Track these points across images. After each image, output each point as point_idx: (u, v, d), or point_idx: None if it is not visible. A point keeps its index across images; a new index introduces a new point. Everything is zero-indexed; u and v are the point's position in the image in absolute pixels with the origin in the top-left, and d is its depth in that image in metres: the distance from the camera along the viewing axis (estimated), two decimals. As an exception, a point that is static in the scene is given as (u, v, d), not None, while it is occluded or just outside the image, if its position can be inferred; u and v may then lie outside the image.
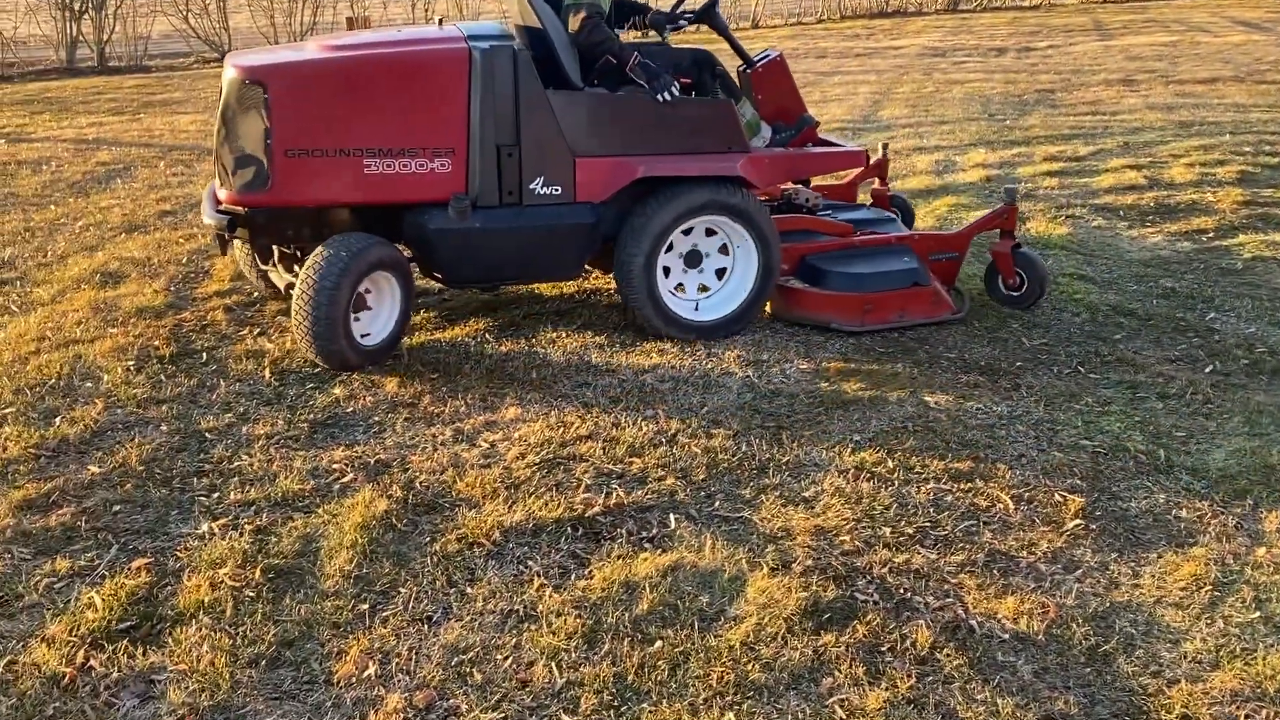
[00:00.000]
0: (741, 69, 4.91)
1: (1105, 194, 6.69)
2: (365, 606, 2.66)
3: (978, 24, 19.47)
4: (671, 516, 3.04)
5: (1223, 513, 3.05)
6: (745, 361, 4.17)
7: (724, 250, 4.41)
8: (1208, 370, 4.05)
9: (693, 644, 2.50)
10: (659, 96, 4.15)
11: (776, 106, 4.82)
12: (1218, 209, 6.25)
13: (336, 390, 3.91)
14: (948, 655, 2.46)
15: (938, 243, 4.77)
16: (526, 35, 4.27)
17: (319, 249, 3.89)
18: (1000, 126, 9.09)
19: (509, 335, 4.45)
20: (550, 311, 4.73)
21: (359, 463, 3.37)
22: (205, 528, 3.02)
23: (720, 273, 4.44)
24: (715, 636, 2.53)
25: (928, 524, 3.01)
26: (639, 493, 3.18)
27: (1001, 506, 3.10)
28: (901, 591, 2.70)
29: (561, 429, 3.59)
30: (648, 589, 2.69)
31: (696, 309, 4.41)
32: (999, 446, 3.46)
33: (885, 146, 5.63)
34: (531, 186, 4.08)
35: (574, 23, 4.22)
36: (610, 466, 3.34)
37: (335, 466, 3.35)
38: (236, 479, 3.29)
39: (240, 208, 3.98)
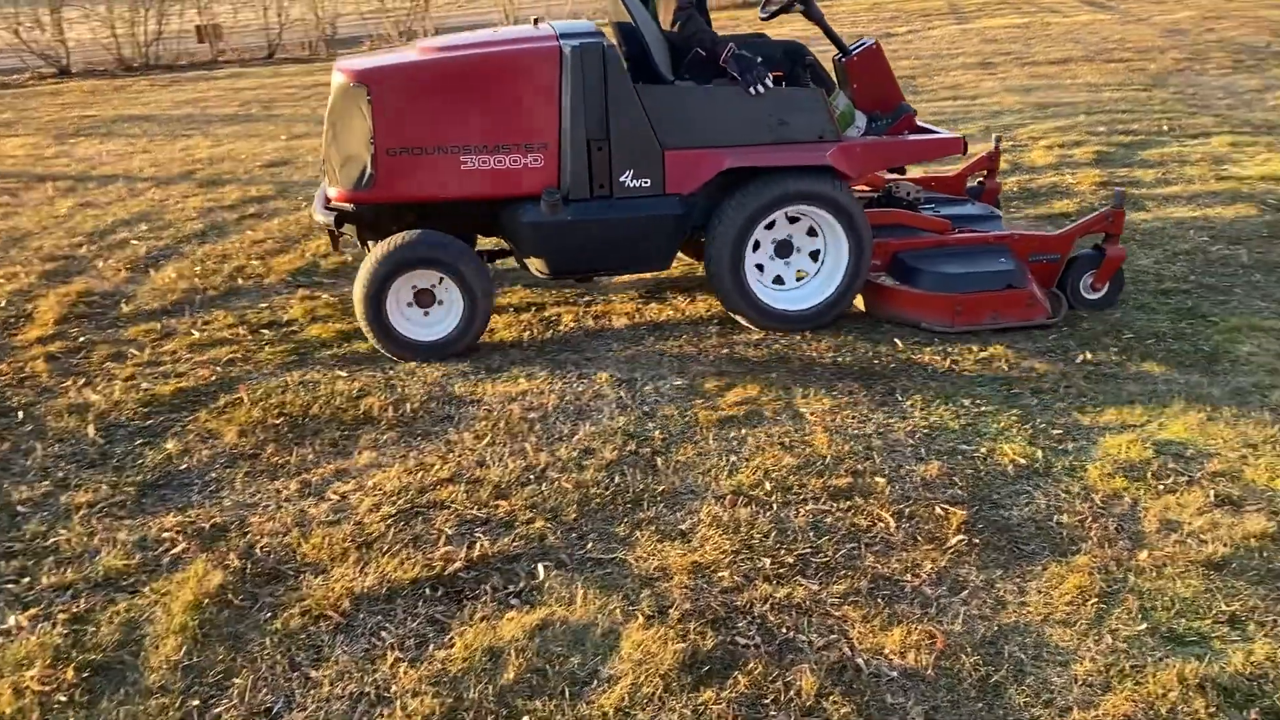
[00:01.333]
0: (837, 58, 4.89)
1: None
2: (195, 703, 2.37)
3: (839, 10, 19.72)
4: (540, 566, 2.83)
5: (1103, 515, 2.99)
6: (617, 382, 3.97)
7: (814, 239, 4.44)
8: (1079, 361, 4.03)
9: (562, 715, 2.29)
10: (751, 89, 4.16)
11: (873, 95, 4.76)
12: (1077, 191, 6.34)
13: (169, 445, 3.57)
14: (834, 703, 2.31)
15: (1039, 244, 4.58)
16: (619, 31, 4.45)
17: (376, 246, 4.14)
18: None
19: (364, 368, 4.16)
20: (409, 338, 4.45)
21: (192, 529, 3.05)
22: (12, 621, 2.67)
23: (813, 261, 4.46)
24: (587, 704, 2.33)
25: (808, 550, 2.87)
26: (505, 540, 2.95)
27: (883, 525, 2.98)
28: (784, 631, 2.55)
29: (421, 473, 3.33)
30: (514, 655, 2.47)
31: (787, 299, 4.43)
32: (877, 458, 3.34)
33: (998, 139, 5.46)
34: (621, 179, 4.17)
35: (665, 15, 4.34)
36: (474, 512, 3.10)
37: (165, 536, 3.02)
38: (51, 559, 2.94)
39: (349, 205, 4.17)
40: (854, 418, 3.63)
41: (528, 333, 4.52)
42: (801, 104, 4.28)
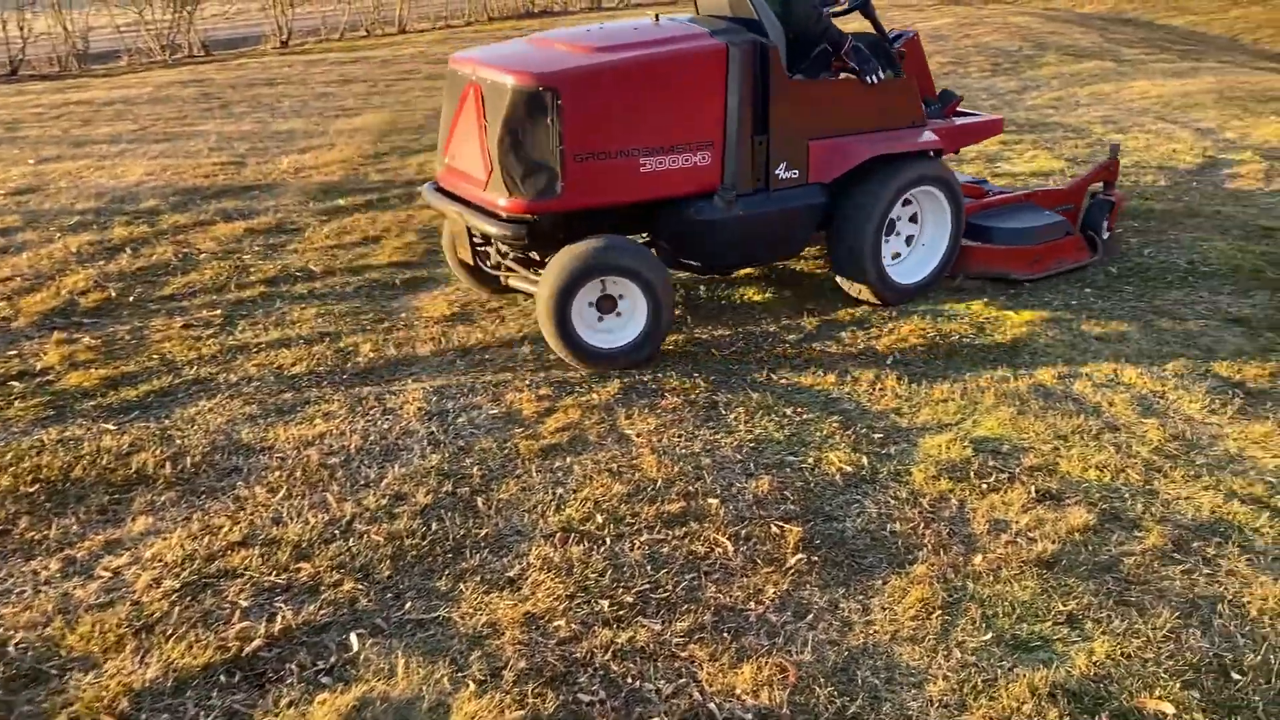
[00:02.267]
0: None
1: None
2: None
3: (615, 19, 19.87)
4: (353, 635, 2.53)
5: (934, 520, 2.98)
6: (427, 414, 3.69)
7: (913, 219, 4.68)
8: (889, 363, 4.06)
9: (392, 810, 2.03)
10: (868, 79, 4.39)
11: (917, 83, 4.88)
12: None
13: (-105, 529, 3.02)
14: (691, 756, 2.15)
15: (1060, 197, 5.18)
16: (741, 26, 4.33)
17: (558, 255, 3.94)
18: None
19: (135, 418, 3.70)
20: (186, 381, 4.01)
21: (-74, 632, 2.57)
22: None
23: (909, 240, 4.70)
24: (419, 793, 2.07)
25: (648, 586, 2.70)
26: (311, 609, 2.63)
27: (721, 551, 2.85)
28: (629, 681, 2.36)
29: (207, 537, 2.95)
30: (329, 744, 2.18)
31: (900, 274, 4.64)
32: (708, 477, 3.22)
33: (1116, 149, 5.48)
34: (776, 172, 4.26)
35: (800, 11, 4.41)
36: (272, 579, 2.76)
37: (-110, 643, 2.53)
38: None
39: (529, 216, 3.95)
40: (680, 436, 3.50)
41: (322, 365, 4.16)
42: (903, 92, 4.57)
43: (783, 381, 3.92)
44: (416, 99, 11.07)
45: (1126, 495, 3.05)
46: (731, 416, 3.63)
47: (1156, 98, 9.21)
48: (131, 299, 5.01)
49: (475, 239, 4.46)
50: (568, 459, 3.36)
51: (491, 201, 4.00)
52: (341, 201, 6.73)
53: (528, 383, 3.96)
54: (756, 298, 4.76)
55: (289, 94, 11.77)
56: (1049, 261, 4.86)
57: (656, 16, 4.36)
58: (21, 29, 15.86)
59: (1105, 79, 10.38)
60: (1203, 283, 4.70)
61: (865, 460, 3.30)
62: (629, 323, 4.05)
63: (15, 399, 3.90)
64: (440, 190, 4.40)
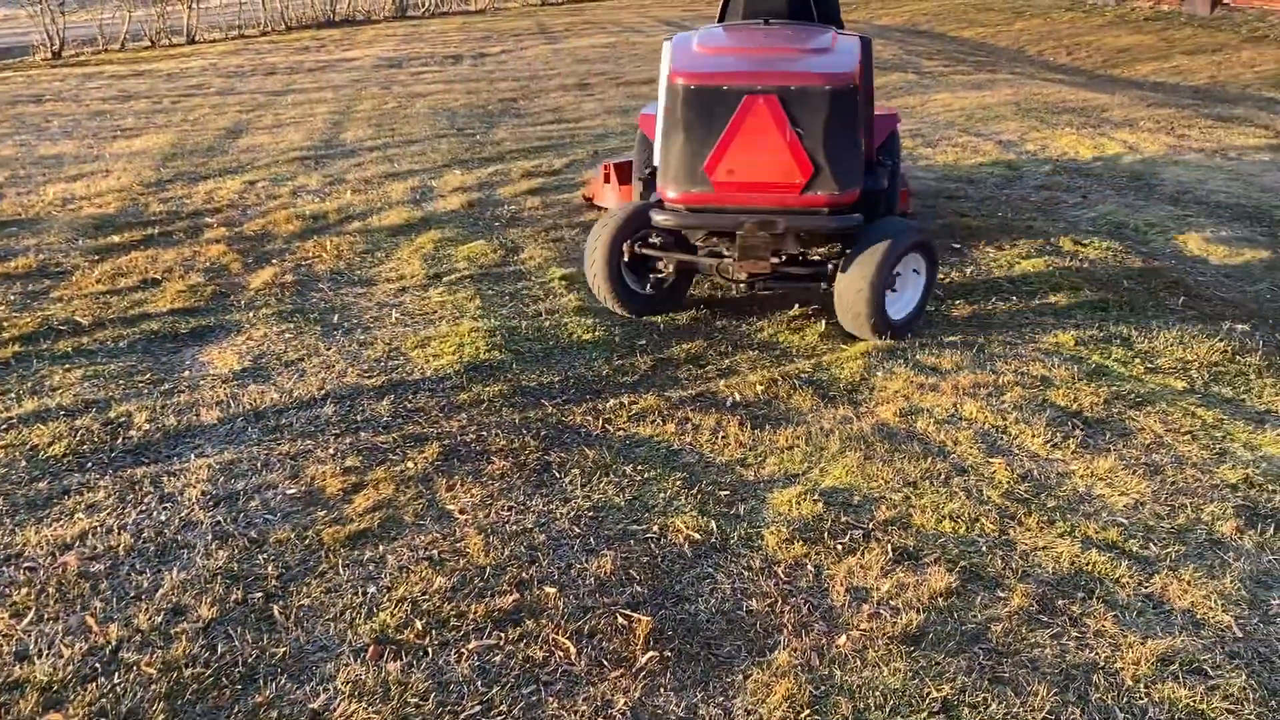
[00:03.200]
0: None
1: (589, 211, 6.50)
2: None
3: (428, 31, 19.26)
4: (113, 813, 2.06)
5: (791, 593, 2.73)
6: (212, 499, 3.19)
7: None
8: (729, 405, 3.82)
9: None
10: None
11: None
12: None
13: None
14: None
15: None
16: None
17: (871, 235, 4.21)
18: (471, 142, 8.69)
19: None
20: (-86, 474, 3.36)
21: None
22: None
23: None
24: None
25: (479, 709, 2.33)
26: (60, 777, 2.14)
27: (562, 654, 2.51)
28: (463, 838, 1.99)
29: (-74, 688, 2.39)
30: None
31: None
32: (544, 559, 2.88)
33: None
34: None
35: None
36: (10, 739, 2.24)
37: None
38: None
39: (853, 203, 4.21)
40: (510, 508, 3.14)
41: (86, 443, 3.57)
42: None
43: (620, 433, 3.62)
44: (206, 117, 10.24)
45: (984, 548, 2.90)
46: (567, 480, 3.30)
47: (959, 110, 9.47)
48: None
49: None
50: (380, 547, 2.95)
51: (816, 200, 4.14)
52: (116, 238, 6.02)
53: (331, 451, 3.51)
54: (586, 336, 4.45)
55: (59, 112, 10.69)
56: None
57: (767, 20, 4.93)
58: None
59: (910, 92, 10.63)
60: (1026, 303, 4.70)
61: (714, 524, 3.03)
62: (904, 293, 4.41)
63: None
64: (696, 210, 4.29)
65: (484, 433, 3.64)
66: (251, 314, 4.81)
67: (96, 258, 5.67)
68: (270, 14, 19.76)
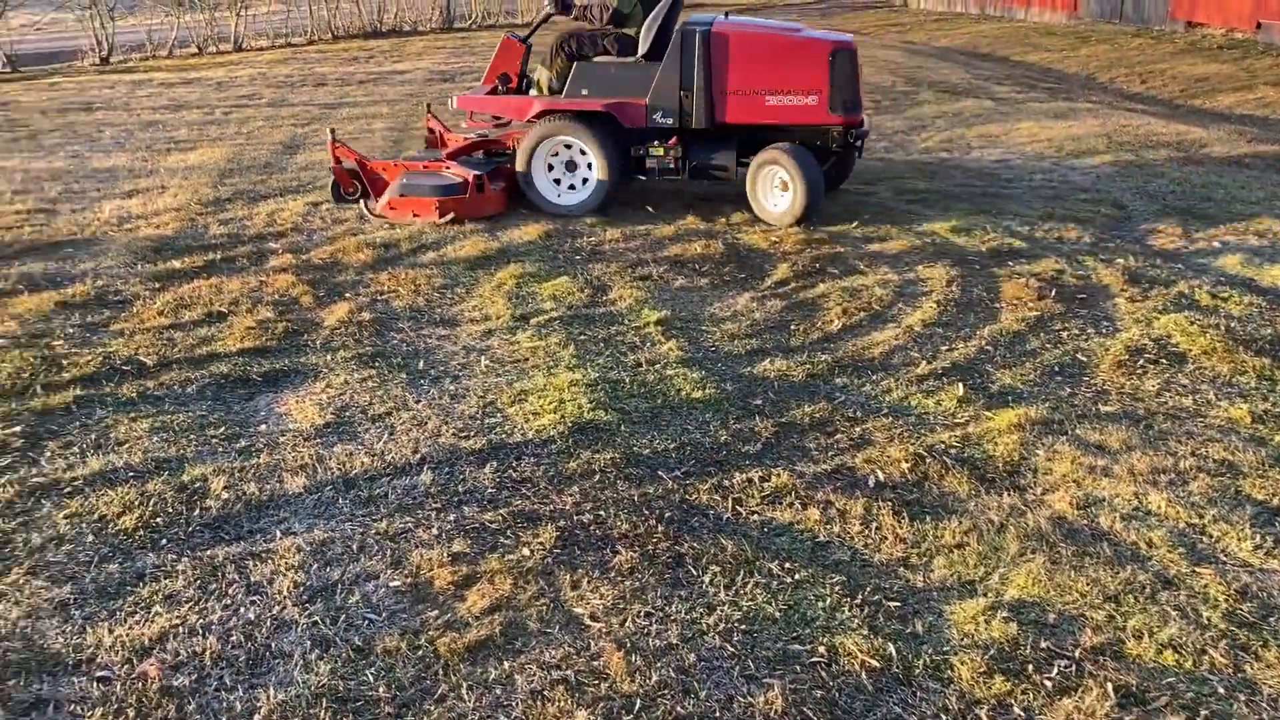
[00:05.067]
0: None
1: (673, 242, 6.09)
2: None
3: (477, 43, 18.97)
4: None
5: (1003, 744, 2.29)
6: (307, 593, 2.79)
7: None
8: (871, 485, 3.39)
9: None
10: None
11: None
12: (787, 253, 5.87)
13: None
14: None
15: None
16: None
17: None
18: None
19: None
20: None
21: None
22: None
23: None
24: None
25: None
26: None
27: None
28: None
29: None
30: None
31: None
32: (699, 689, 2.45)
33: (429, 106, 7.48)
34: None
35: None
36: None
37: None
38: None
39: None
40: (647, 614, 2.72)
41: (160, 514, 3.19)
42: None
43: (755, 518, 3.20)
44: (261, 130, 9.92)
45: (1222, 690, 2.45)
46: (706, 579, 2.88)
47: (1047, 141, 9.01)
48: (-103, 411, 3.88)
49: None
50: (505, 663, 2.53)
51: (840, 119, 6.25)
52: (177, 263, 5.67)
53: (435, 532, 3.10)
54: (696, 394, 4.03)
55: (110, 122, 10.41)
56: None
57: (727, 13, 6.57)
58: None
59: (989, 119, 10.18)
60: (1179, 368, 4.24)
61: (891, 648, 2.60)
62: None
63: None
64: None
65: (602, 512, 3.22)
66: (329, 356, 4.42)
67: (157, 285, 5.31)
68: (317, 22, 19.54)
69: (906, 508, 3.25)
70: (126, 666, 2.50)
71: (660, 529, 3.12)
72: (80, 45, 16.11)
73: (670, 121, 6.35)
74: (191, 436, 3.70)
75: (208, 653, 2.54)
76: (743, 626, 2.68)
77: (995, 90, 12.25)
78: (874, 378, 4.21)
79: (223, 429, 3.76)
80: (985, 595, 2.81)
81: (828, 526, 3.15)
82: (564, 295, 5.18)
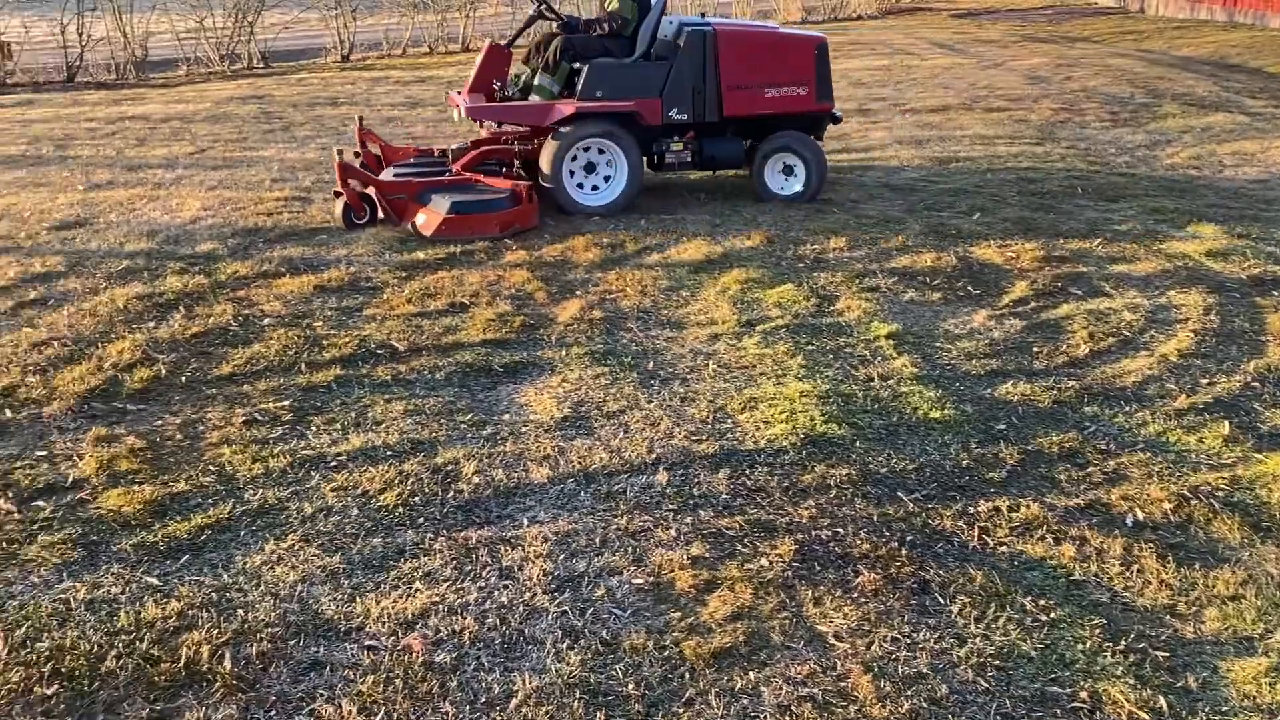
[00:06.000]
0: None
1: (900, 253, 5.94)
2: None
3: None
4: None
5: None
6: (555, 581, 2.87)
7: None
8: (1132, 524, 3.18)
9: None
10: None
11: None
12: (1024, 270, 5.62)
13: None
14: None
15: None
16: None
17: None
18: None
19: (186, 569, 2.91)
20: (249, 510, 3.22)
21: None
22: None
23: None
24: None
25: None
26: None
27: None
28: None
29: (281, 796, 2.15)
30: None
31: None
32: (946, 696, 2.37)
33: (360, 118, 7.33)
34: None
35: None
36: None
37: None
38: None
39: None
40: (895, 641, 2.65)
41: (417, 494, 3.36)
42: None
43: (1004, 549, 3.07)
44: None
45: None
46: (955, 609, 2.78)
47: (1314, 161, 8.26)
48: (184, 378, 4.25)
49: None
50: (750, 674, 2.53)
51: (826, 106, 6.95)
52: (421, 254, 5.97)
53: (673, 533, 3.13)
54: (934, 413, 3.91)
55: (354, 116, 11.07)
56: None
57: (703, 14, 6.91)
58: (81, 34, 15.37)
59: (1242, 135, 9.44)
60: None
61: (1162, 701, 2.43)
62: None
63: (39, 528, 3.13)
64: None
65: (840, 529, 3.17)
66: (563, 352, 4.55)
67: (404, 274, 5.61)
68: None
69: (1171, 551, 3.05)
70: (392, 639, 2.64)
71: (903, 552, 3.04)
72: (324, 43, 17.26)
73: (685, 117, 6.68)
74: (442, 421, 3.88)
75: (466, 632, 2.66)
76: (996, 662, 2.58)
77: (1248, 104, 11.34)
78: (1127, 409, 3.97)
79: (470, 415, 3.93)
80: (1267, 655, 2.59)
81: (1084, 565, 2.99)
82: (789, 303, 5.14)
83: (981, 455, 3.62)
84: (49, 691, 2.42)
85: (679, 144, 6.83)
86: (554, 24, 7.17)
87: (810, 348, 4.58)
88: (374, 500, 3.30)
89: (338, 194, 6.50)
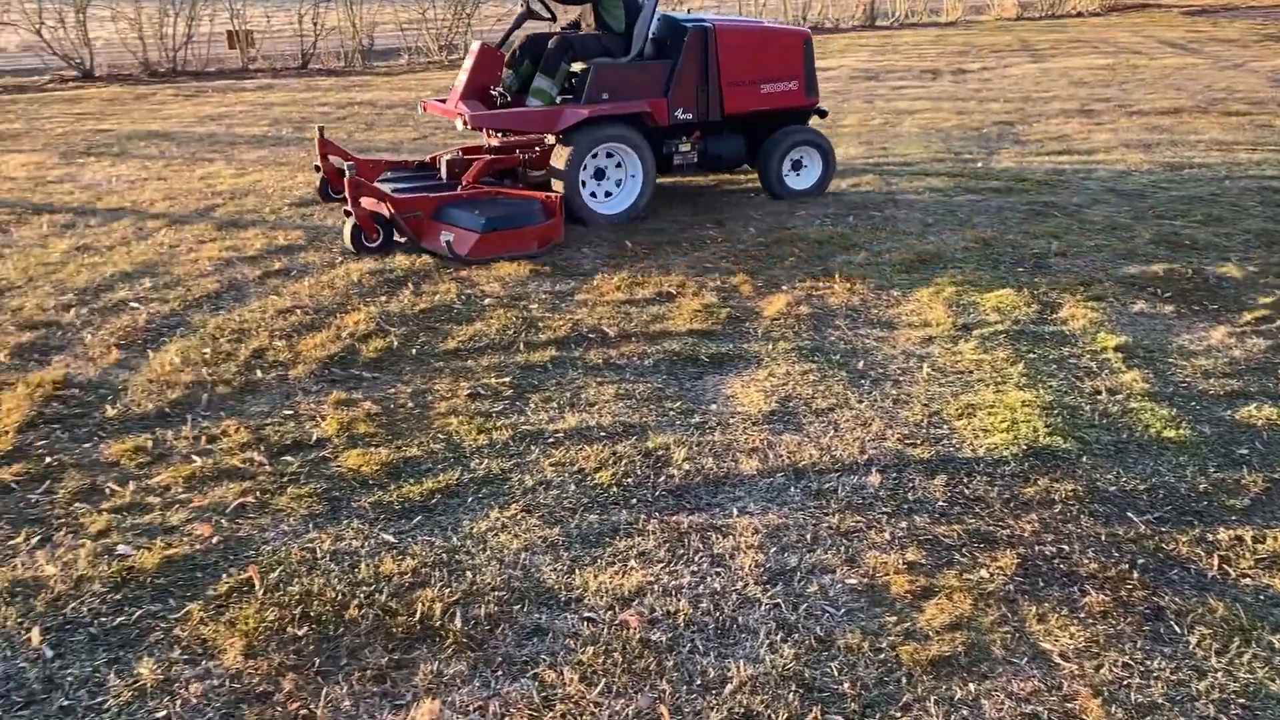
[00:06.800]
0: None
1: (1128, 261, 5.62)
2: None
3: (900, 42, 18.69)
4: None
5: None
6: (766, 573, 2.88)
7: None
8: (1401, 570, 2.91)
9: None
10: None
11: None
12: (1268, 285, 5.22)
13: (143, 668, 2.49)
14: None
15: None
16: None
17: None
18: (972, 169, 8.02)
19: (417, 528, 3.09)
20: (475, 478, 3.38)
21: None
22: None
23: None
24: None
25: None
26: None
27: None
28: None
29: (509, 751, 2.25)
30: None
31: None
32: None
33: (321, 129, 7.06)
34: None
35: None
36: None
37: None
38: None
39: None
40: (1126, 667, 2.52)
41: (630, 475, 3.44)
42: None
43: (1247, 582, 2.86)
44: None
45: None
46: (1193, 640, 2.62)
47: None
48: (414, 351, 4.49)
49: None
50: (970, 685, 2.46)
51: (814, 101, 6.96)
52: (629, 243, 6.08)
53: (887, 536, 3.08)
54: (1168, 432, 3.69)
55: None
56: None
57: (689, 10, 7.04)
58: (315, 24, 16.44)
59: None
60: None
61: None
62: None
63: (289, 480, 3.38)
64: None
65: (1065, 546, 3.04)
66: (770, 346, 4.54)
67: (612, 262, 5.73)
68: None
69: None
70: (609, 613, 2.71)
71: (1134, 575, 2.88)
72: (537, 36, 17.82)
73: (690, 117, 6.52)
74: (651, 406, 3.95)
75: (681, 615, 2.70)
76: (1241, 700, 2.41)
77: None
78: (1393, 442, 3.62)
79: (678, 403, 3.98)
80: None
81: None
82: (1009, 308, 4.95)
83: (1221, 480, 3.39)
84: (300, 632, 2.61)
85: (686, 144, 6.65)
86: (550, 23, 6.77)
87: (1032, 355, 4.40)
88: (589, 478, 3.40)
89: (348, 214, 5.78)
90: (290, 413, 3.88)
